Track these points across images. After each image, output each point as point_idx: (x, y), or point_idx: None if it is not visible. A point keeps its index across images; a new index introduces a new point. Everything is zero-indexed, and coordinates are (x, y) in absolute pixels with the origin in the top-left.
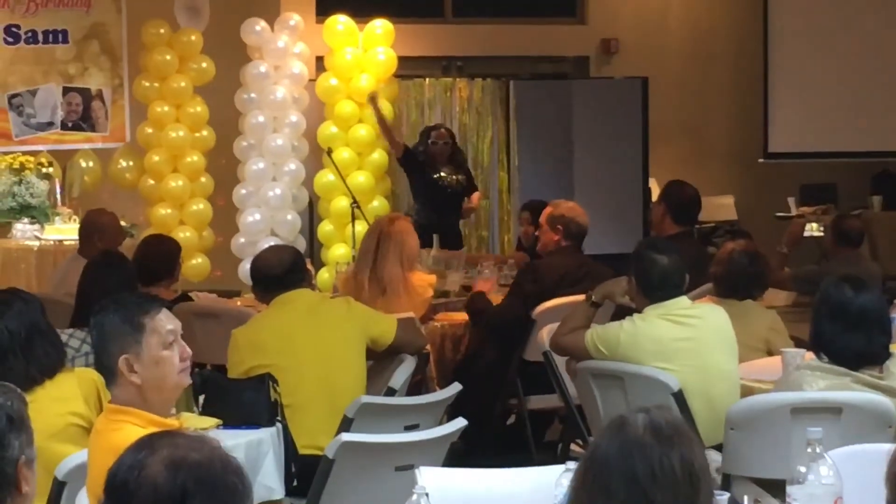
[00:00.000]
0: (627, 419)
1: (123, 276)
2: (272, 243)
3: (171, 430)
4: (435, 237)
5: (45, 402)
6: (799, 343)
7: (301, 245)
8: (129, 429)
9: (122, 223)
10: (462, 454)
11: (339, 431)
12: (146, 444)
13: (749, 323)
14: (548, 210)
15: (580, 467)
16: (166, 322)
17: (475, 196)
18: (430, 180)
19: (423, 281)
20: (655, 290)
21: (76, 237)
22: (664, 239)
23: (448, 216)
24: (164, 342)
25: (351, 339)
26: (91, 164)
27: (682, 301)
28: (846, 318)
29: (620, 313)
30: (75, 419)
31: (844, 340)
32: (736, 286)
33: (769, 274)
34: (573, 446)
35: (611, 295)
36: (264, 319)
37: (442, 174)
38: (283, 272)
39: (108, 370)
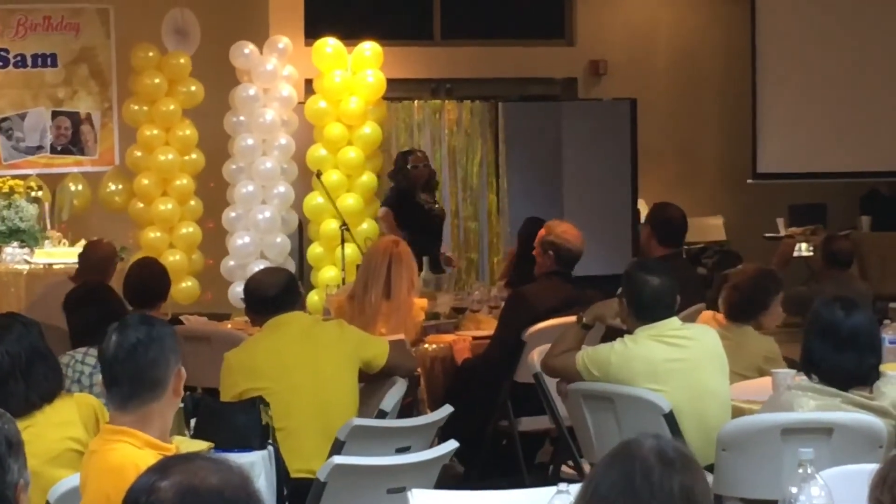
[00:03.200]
0: (636, 440)
1: (114, 309)
2: (262, 266)
3: (188, 454)
4: (425, 260)
5: (44, 427)
6: (791, 364)
7: (290, 268)
8: (126, 448)
9: None
10: (460, 478)
11: (330, 454)
12: (161, 468)
13: (744, 350)
14: (541, 232)
15: (585, 481)
16: None
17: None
18: (416, 206)
19: (415, 304)
20: (647, 310)
21: (66, 261)
22: (655, 259)
23: (435, 242)
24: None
25: (344, 363)
26: (80, 187)
27: (674, 322)
28: (837, 338)
29: (611, 335)
30: (74, 444)
31: (835, 361)
32: (749, 312)
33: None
34: (564, 468)
35: (601, 317)
36: (257, 342)
37: (423, 200)
38: (276, 294)
39: (155, 383)
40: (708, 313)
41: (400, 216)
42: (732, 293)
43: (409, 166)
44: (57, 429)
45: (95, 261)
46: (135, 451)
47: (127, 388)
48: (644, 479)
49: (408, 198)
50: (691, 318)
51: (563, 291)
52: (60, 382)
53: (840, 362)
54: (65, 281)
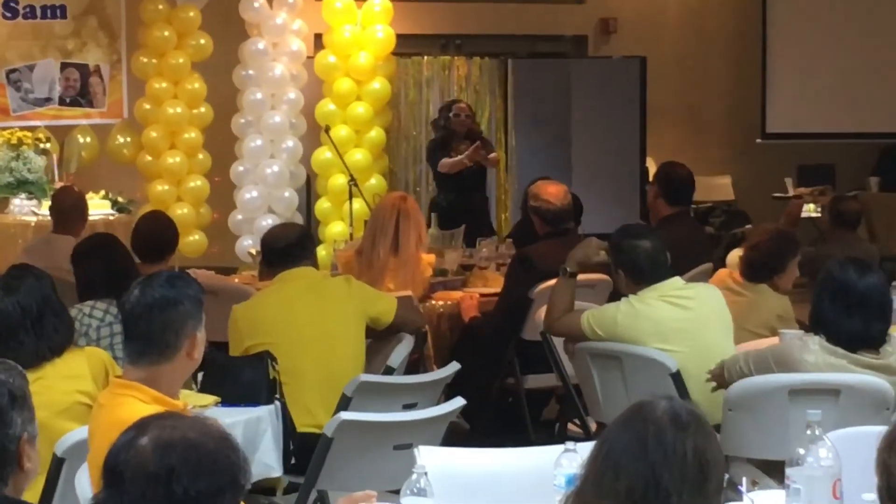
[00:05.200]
0: (649, 402)
1: (121, 262)
2: (269, 220)
3: (165, 412)
4: (433, 216)
5: (53, 380)
6: (802, 327)
7: (298, 222)
8: (134, 404)
9: (119, 199)
10: (466, 434)
11: (337, 410)
12: (138, 426)
13: (758, 307)
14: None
15: (597, 443)
16: None
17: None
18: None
19: (423, 260)
20: (646, 274)
21: None
22: (637, 224)
23: (472, 196)
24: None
25: (351, 318)
26: (89, 139)
27: (676, 282)
28: (847, 299)
29: (616, 296)
30: (83, 398)
31: (843, 322)
32: (765, 272)
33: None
34: (570, 425)
35: (585, 258)
36: (266, 296)
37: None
38: (283, 246)
39: (165, 344)
40: (724, 271)
41: (434, 174)
42: (750, 253)
43: (451, 114)
44: (66, 381)
45: (66, 209)
46: (142, 406)
47: (139, 344)
48: (657, 441)
49: (443, 147)
50: (699, 278)
51: (567, 250)
52: (71, 335)
53: (848, 324)
54: (48, 235)
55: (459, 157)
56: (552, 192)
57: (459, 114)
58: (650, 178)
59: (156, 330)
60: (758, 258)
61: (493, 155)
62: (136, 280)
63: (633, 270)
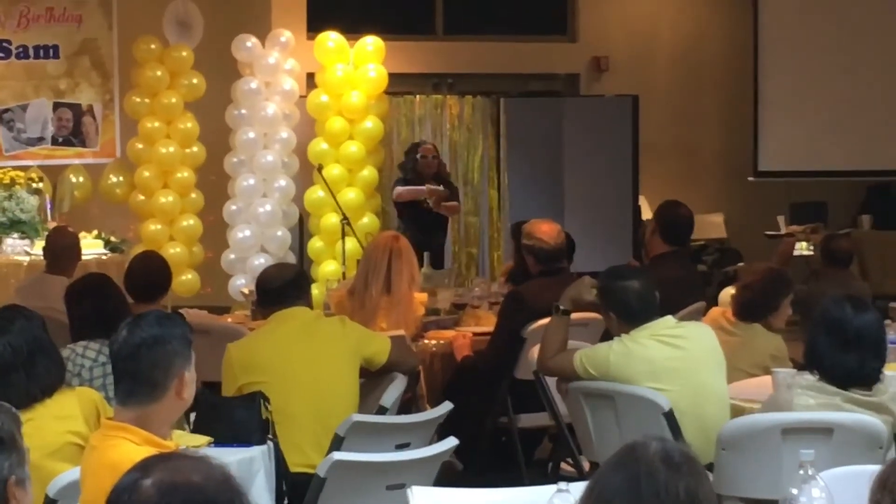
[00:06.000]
0: (641, 443)
1: (114, 303)
2: (262, 260)
3: (170, 453)
4: (426, 255)
5: (45, 420)
6: (796, 365)
7: (290, 261)
8: (126, 446)
9: (112, 238)
10: (459, 474)
11: (330, 450)
12: (142, 466)
13: (751, 347)
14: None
15: (589, 483)
16: None
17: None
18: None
19: (415, 299)
20: (638, 314)
21: None
22: (623, 266)
23: (435, 235)
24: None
25: (345, 358)
26: (81, 179)
27: (668, 321)
28: (843, 336)
29: (609, 335)
30: (75, 438)
31: (838, 359)
32: (759, 312)
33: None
34: (563, 465)
35: (578, 297)
36: (260, 336)
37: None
38: (278, 286)
39: (153, 385)
40: (717, 310)
41: (398, 209)
42: (743, 293)
43: (418, 156)
44: (58, 422)
45: (60, 249)
46: (133, 448)
47: (127, 384)
48: (649, 482)
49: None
50: (692, 316)
51: (560, 288)
52: (62, 376)
53: (843, 361)
54: (41, 275)
55: (419, 187)
56: (546, 230)
57: (426, 155)
58: (642, 217)
59: (143, 369)
60: (751, 298)
61: (451, 203)
62: (125, 321)
63: (624, 311)
